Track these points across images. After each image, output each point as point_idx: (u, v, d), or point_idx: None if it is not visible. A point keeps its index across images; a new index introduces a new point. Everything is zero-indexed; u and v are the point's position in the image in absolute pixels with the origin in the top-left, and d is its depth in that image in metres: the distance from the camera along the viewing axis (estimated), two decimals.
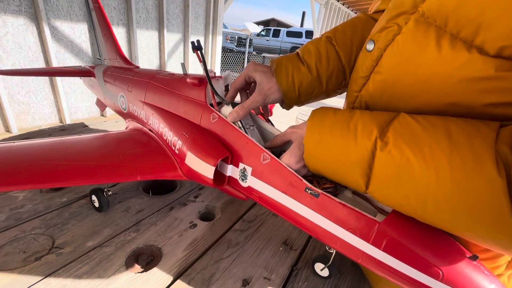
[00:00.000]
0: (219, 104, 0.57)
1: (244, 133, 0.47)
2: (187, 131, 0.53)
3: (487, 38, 0.30)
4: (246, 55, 5.91)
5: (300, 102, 0.55)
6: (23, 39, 2.17)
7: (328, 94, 0.55)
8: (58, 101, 2.66)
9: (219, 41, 4.12)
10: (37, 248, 0.48)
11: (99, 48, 0.89)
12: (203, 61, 0.55)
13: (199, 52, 0.57)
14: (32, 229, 0.52)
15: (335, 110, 0.41)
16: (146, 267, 0.48)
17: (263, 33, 13.49)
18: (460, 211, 0.28)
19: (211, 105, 0.54)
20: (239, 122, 0.50)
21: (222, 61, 4.41)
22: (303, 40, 11.72)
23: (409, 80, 0.37)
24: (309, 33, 11.36)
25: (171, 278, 0.46)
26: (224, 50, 4.53)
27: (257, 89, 0.50)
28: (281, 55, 0.59)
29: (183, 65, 0.64)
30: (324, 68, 0.52)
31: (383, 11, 0.51)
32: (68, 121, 2.77)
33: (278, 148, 0.53)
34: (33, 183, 0.45)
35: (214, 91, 0.52)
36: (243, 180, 0.48)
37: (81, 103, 2.83)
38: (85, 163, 0.52)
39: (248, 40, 6.18)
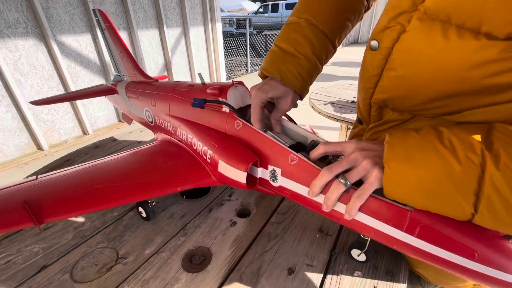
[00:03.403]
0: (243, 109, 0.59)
1: (269, 137, 0.50)
2: (215, 140, 0.57)
3: (493, 27, 0.30)
4: (248, 37, 5.76)
5: (309, 87, 0.56)
6: (36, 60, 2.26)
7: (321, 69, 0.56)
8: (78, 114, 2.79)
9: (219, 28, 4.04)
10: (106, 260, 0.55)
11: (117, 65, 0.92)
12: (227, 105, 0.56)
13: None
14: (97, 243, 0.59)
15: (415, 129, 0.37)
16: (200, 266, 0.54)
17: (261, 10, 12.95)
18: None
19: (236, 110, 0.56)
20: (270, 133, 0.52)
21: (224, 47, 4.34)
22: None
23: (422, 72, 0.38)
24: None
25: (224, 274, 0.52)
26: (224, 35, 4.43)
27: (283, 103, 0.52)
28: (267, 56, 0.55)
29: (200, 75, 0.66)
30: (319, 51, 0.52)
31: None
32: (90, 131, 2.92)
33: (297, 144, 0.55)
34: (91, 207, 0.51)
35: (234, 110, 0.54)
36: (273, 180, 0.51)
37: (99, 113, 2.95)
38: (130, 182, 0.57)
39: (247, 21, 5.99)
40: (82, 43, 2.56)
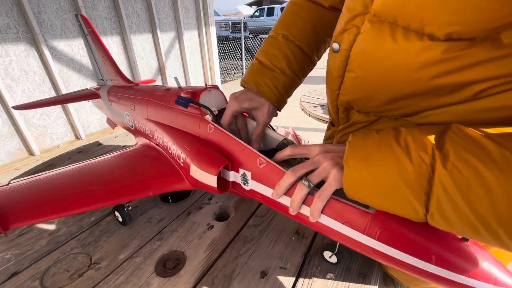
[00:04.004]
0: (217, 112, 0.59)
1: (239, 140, 0.50)
2: (188, 143, 0.57)
3: (434, 28, 0.31)
4: (243, 40, 5.79)
5: (287, 100, 0.58)
6: (27, 65, 2.25)
7: (302, 81, 0.58)
8: (71, 119, 2.78)
9: (213, 31, 4.05)
10: (78, 266, 0.55)
11: (100, 69, 0.92)
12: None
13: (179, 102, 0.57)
14: (71, 249, 0.59)
15: (377, 130, 0.37)
16: (173, 271, 0.54)
17: (257, 13, 13.06)
18: None
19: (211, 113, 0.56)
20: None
21: (219, 50, 4.36)
22: None
23: (377, 74, 0.38)
24: None
25: (196, 278, 0.52)
26: (220, 38, 4.46)
27: (259, 114, 0.53)
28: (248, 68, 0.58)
29: (176, 79, 0.66)
30: (295, 66, 0.54)
31: None
32: (83, 136, 2.90)
33: (269, 148, 0.56)
34: (64, 211, 0.51)
35: (211, 114, 0.55)
36: (245, 184, 0.51)
37: (92, 117, 2.93)
38: (105, 186, 0.57)
39: (242, 24, 6.03)
40: (74, 47, 2.55)
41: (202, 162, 0.52)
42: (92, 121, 2.95)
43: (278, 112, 0.57)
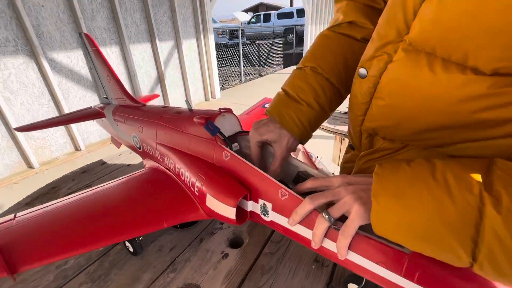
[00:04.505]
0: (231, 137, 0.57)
1: (258, 169, 0.48)
2: (203, 171, 0.54)
3: (479, 62, 0.29)
4: (240, 47, 5.81)
5: (312, 134, 0.55)
6: (26, 77, 2.23)
7: (330, 114, 0.56)
8: (70, 130, 2.75)
9: (212, 39, 4.07)
10: None
11: (104, 88, 0.90)
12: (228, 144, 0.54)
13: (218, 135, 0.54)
14: (80, 285, 0.56)
15: (407, 161, 0.34)
16: None
17: (253, 20, 13.14)
18: None
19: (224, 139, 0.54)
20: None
21: (217, 57, 4.36)
22: (295, 20, 11.27)
23: (410, 103, 0.37)
24: (301, 11, 10.89)
25: None
26: (218, 45, 4.46)
27: (277, 147, 0.51)
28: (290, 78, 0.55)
29: (187, 101, 0.64)
30: (323, 99, 0.52)
31: (348, 22, 0.52)
32: (82, 147, 2.87)
33: (291, 176, 0.54)
34: (76, 250, 0.48)
35: (227, 143, 0.53)
36: (264, 215, 0.49)
37: (91, 128, 2.91)
38: (116, 219, 0.54)
39: (240, 31, 6.06)
40: (73, 59, 2.54)
41: (219, 192, 0.50)
42: (91, 132, 2.92)
43: (301, 144, 0.54)
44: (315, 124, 0.53)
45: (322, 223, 0.38)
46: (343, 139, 1.72)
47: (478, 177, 0.29)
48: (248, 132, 0.59)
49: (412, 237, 0.32)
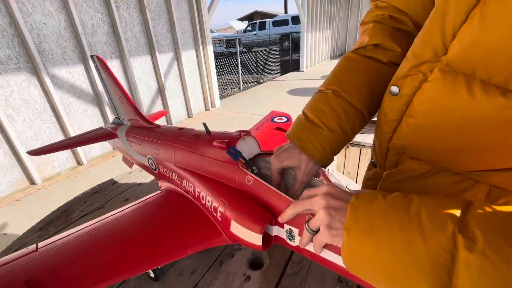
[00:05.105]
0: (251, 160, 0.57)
1: (283, 194, 0.48)
2: (226, 196, 0.54)
3: None
4: (238, 55, 5.86)
5: (333, 158, 0.54)
6: (28, 94, 2.23)
7: (352, 137, 0.55)
8: None
9: (210, 49, 4.11)
10: None
11: (116, 109, 0.91)
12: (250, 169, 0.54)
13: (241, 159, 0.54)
14: None
15: (383, 193, 0.33)
16: None
17: (249, 28, 13.29)
18: None
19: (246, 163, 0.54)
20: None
21: (216, 66, 4.40)
22: (291, 27, 11.45)
23: (444, 124, 0.36)
24: (295, 19, 11.05)
25: None
26: (215, 54, 4.50)
27: (298, 172, 0.50)
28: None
29: (205, 124, 0.65)
30: (345, 123, 0.50)
31: (373, 45, 0.51)
32: (84, 161, 2.85)
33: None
34: (101, 283, 0.48)
35: (250, 167, 0.53)
36: (290, 240, 0.48)
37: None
38: (141, 248, 0.53)
39: (237, 40, 6.13)
40: (74, 74, 2.55)
41: (244, 218, 0.49)
42: (93, 145, 2.91)
43: (323, 168, 0.54)
44: (336, 148, 0.51)
45: (305, 233, 0.41)
46: (348, 147, 1.72)
47: (453, 215, 0.27)
48: (266, 152, 0.59)
49: (382, 276, 0.31)
